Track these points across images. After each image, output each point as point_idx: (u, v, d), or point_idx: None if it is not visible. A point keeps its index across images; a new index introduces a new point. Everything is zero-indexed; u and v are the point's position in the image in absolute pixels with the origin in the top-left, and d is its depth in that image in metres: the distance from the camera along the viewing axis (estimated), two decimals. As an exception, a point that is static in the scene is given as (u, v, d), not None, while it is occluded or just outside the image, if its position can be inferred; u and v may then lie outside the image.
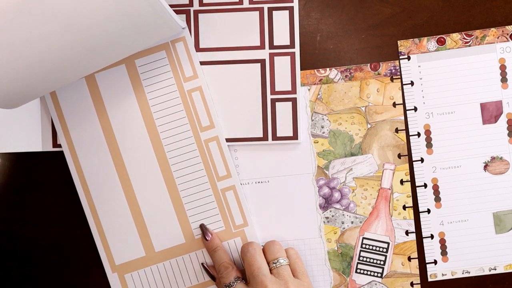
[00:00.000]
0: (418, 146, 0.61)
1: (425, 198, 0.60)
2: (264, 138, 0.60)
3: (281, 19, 0.60)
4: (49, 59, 0.46)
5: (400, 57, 0.61)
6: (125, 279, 0.60)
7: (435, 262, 0.60)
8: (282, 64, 0.60)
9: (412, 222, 0.60)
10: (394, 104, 0.61)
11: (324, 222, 0.61)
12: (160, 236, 0.60)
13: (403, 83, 0.61)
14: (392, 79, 0.60)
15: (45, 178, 0.61)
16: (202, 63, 0.60)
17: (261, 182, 0.61)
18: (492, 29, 0.60)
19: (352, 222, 0.61)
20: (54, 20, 0.44)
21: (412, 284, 0.60)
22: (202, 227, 0.59)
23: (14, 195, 0.62)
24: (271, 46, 0.60)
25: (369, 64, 0.61)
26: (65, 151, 0.60)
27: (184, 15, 0.56)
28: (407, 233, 0.60)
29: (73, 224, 0.61)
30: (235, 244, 0.60)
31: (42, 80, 0.49)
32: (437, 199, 0.60)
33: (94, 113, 0.60)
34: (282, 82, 0.60)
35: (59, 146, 0.61)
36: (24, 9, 0.43)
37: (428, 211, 0.60)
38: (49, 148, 0.61)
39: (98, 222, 0.60)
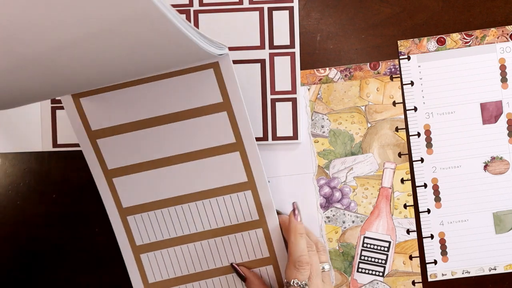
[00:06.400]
0: (418, 146, 0.61)
1: (425, 198, 0.60)
2: (264, 138, 0.60)
3: (281, 19, 0.60)
4: (64, 66, 0.42)
5: (400, 57, 0.61)
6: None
7: (435, 262, 0.60)
8: (282, 64, 0.60)
9: (413, 220, 0.60)
10: (394, 103, 0.61)
11: (325, 221, 0.60)
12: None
13: (403, 83, 0.61)
14: (391, 78, 0.61)
15: (45, 178, 0.61)
16: (202, 62, 0.60)
17: (262, 181, 0.61)
18: (492, 29, 0.60)
19: (353, 222, 0.60)
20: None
21: (413, 282, 0.60)
22: (295, 205, 0.55)
23: (15, 195, 0.61)
24: (271, 46, 0.60)
25: (368, 63, 0.61)
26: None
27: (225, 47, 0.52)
28: (408, 231, 0.60)
29: (74, 224, 0.61)
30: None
31: (52, 85, 0.44)
32: (437, 199, 0.60)
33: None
34: (282, 82, 0.60)
35: (59, 146, 0.60)
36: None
37: (428, 211, 0.60)
38: (49, 148, 0.61)
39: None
